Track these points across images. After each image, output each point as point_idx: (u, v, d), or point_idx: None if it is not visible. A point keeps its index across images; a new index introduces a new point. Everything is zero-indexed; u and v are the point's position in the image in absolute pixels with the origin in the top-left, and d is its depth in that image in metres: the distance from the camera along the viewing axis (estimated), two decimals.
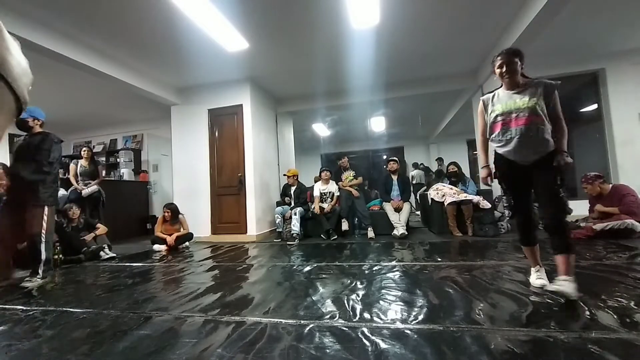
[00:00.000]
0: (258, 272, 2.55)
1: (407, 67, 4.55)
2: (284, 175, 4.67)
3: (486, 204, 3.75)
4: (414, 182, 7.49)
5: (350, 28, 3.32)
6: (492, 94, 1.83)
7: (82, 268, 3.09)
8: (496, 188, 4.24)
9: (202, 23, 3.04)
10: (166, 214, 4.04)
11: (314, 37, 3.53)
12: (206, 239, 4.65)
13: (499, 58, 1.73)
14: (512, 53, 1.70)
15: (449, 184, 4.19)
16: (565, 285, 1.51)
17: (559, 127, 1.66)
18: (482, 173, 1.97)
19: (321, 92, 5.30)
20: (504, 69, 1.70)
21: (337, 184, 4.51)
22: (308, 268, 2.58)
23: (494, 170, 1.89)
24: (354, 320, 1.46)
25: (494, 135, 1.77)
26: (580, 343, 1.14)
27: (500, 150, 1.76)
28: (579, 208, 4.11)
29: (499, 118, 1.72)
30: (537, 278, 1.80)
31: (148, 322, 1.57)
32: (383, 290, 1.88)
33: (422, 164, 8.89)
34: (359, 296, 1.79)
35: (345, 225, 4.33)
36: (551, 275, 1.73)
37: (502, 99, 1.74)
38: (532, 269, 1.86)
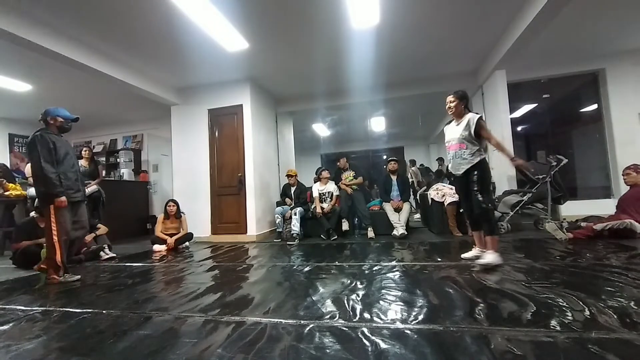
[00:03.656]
0: (258, 272, 2.55)
1: (407, 67, 4.54)
2: (287, 175, 4.67)
3: None
4: (411, 180, 7.40)
5: (350, 28, 3.32)
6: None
7: (82, 268, 3.09)
8: (496, 188, 4.26)
9: (202, 23, 3.04)
10: (170, 207, 4.06)
11: (314, 37, 3.53)
12: (206, 239, 4.65)
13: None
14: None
15: (449, 184, 4.19)
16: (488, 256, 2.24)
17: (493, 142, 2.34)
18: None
19: (321, 92, 5.30)
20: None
21: (336, 184, 4.51)
22: (308, 268, 2.58)
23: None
24: (354, 320, 1.46)
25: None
26: (580, 343, 1.14)
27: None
28: (579, 208, 4.12)
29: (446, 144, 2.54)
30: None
31: (148, 322, 1.56)
32: (383, 290, 1.88)
33: (422, 164, 8.86)
34: (359, 296, 1.79)
35: (345, 225, 4.34)
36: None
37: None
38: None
